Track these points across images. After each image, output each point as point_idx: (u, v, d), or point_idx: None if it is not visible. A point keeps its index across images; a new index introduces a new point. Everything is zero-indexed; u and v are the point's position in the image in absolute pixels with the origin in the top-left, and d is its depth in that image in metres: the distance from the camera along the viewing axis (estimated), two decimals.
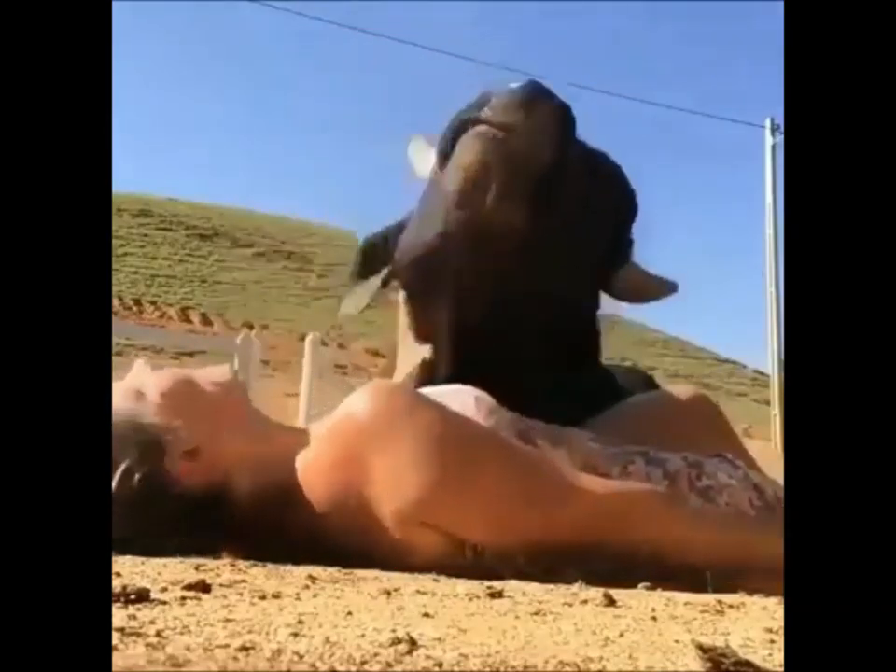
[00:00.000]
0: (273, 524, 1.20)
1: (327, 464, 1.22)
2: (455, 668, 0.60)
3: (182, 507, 1.19)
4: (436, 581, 1.09)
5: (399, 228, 1.61)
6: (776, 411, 13.88)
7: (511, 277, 1.44)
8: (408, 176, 1.70)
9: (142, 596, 0.77)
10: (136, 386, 1.27)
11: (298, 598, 0.87)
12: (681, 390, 1.69)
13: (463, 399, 1.37)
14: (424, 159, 1.64)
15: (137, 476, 1.17)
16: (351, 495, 1.18)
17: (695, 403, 1.65)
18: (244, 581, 0.96)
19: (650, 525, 1.22)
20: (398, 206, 1.70)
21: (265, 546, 1.18)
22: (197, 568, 1.04)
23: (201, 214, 32.21)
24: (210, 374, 1.32)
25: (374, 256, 1.65)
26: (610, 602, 0.96)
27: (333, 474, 1.20)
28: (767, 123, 15.21)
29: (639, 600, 1.01)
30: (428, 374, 1.53)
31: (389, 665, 0.59)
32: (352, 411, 1.23)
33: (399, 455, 1.17)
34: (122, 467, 1.17)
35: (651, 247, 1.70)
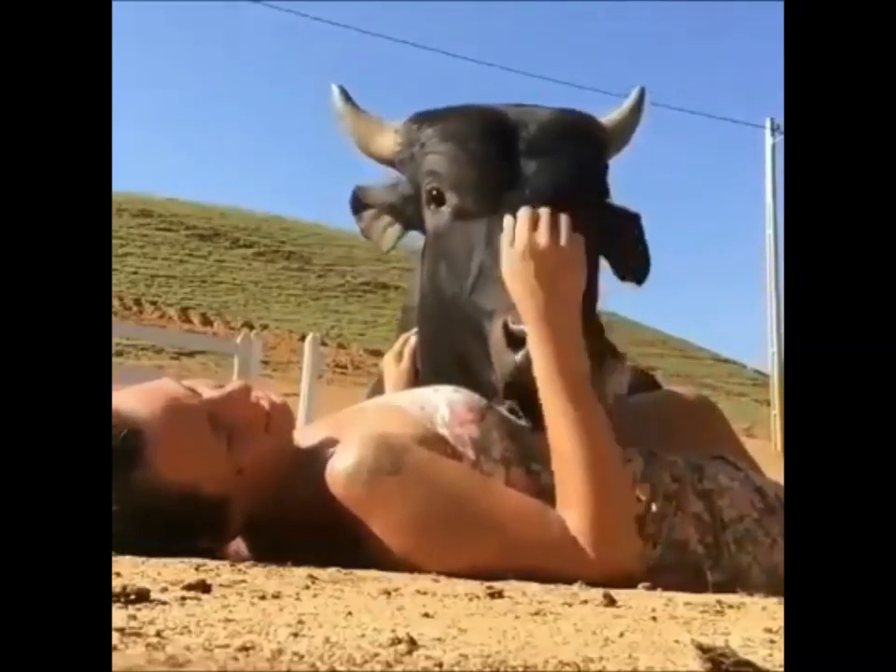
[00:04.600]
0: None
1: (318, 512, 1.19)
2: (455, 668, 0.59)
3: None
4: (436, 581, 1.09)
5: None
6: (776, 411, 13.91)
7: None
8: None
9: (142, 596, 0.77)
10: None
11: (298, 598, 0.87)
12: (683, 391, 1.68)
13: (443, 401, 1.34)
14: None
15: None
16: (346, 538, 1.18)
17: (698, 404, 1.64)
18: (244, 581, 0.96)
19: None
20: None
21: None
22: (197, 568, 1.04)
23: (201, 214, 32.17)
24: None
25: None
26: (610, 602, 0.96)
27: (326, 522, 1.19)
28: (767, 123, 15.24)
29: (639, 600, 1.00)
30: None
31: (389, 665, 0.59)
32: (338, 470, 1.18)
33: (385, 520, 1.16)
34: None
35: (652, 247, 1.69)
